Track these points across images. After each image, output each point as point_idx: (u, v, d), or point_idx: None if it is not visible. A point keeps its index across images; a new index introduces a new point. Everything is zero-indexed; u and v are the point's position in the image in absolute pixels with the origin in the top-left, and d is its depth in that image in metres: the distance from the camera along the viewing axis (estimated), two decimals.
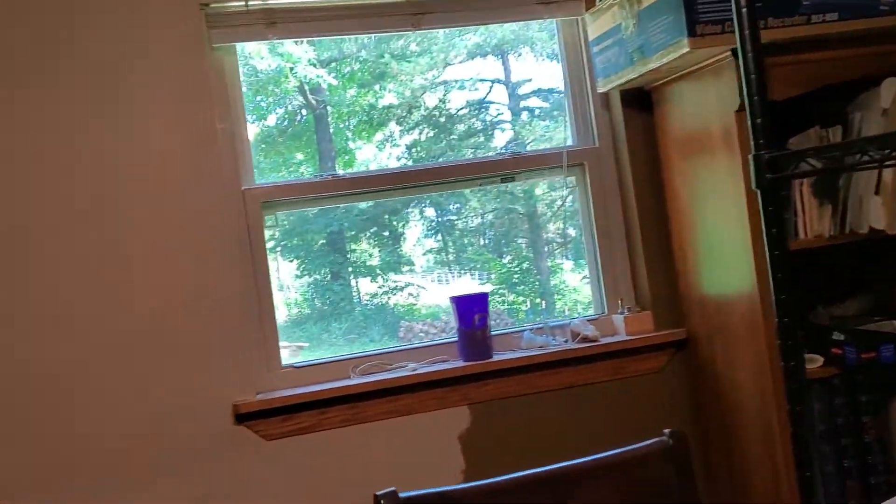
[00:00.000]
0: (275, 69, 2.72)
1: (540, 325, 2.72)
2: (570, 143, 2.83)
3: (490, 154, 2.83)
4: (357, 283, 2.85)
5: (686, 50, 2.16)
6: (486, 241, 3.00)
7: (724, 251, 2.44)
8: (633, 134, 2.72)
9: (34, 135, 2.32)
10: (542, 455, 2.61)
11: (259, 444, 2.42)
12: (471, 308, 2.57)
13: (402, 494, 1.45)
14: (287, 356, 2.62)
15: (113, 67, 2.36)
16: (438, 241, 2.91)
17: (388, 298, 2.83)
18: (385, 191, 2.70)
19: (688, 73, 2.41)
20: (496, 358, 2.59)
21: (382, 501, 1.43)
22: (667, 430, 1.74)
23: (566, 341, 2.68)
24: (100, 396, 2.32)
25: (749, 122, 1.35)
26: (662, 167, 2.70)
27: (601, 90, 2.66)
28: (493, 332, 2.64)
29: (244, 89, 2.59)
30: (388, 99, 2.86)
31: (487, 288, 2.89)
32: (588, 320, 2.74)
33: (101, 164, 2.35)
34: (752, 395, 2.40)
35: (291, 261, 2.67)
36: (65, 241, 2.32)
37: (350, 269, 2.82)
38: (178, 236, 2.39)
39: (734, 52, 2.19)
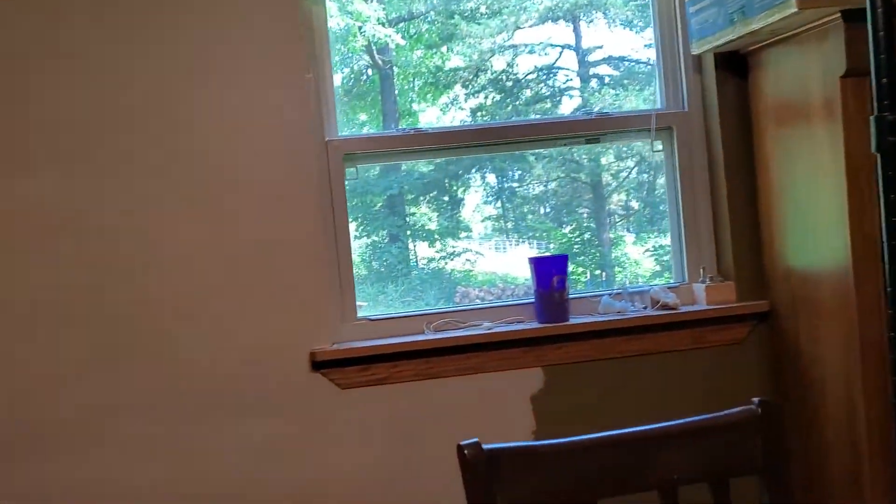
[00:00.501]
0: (343, 28, 2.70)
1: (619, 291, 2.68)
2: (658, 106, 2.76)
3: (578, 114, 2.78)
4: (415, 246, 2.85)
5: (793, 10, 2.07)
6: (548, 210, 2.96)
7: (816, 223, 2.36)
8: (724, 99, 2.64)
9: (126, 90, 2.35)
10: (614, 421, 2.58)
11: (334, 392, 2.45)
12: (549, 270, 2.54)
13: (486, 446, 1.43)
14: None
15: (203, 15, 2.37)
16: (497, 207, 2.88)
17: (445, 263, 2.83)
18: (468, 147, 2.67)
19: (790, 36, 2.32)
20: (573, 321, 2.57)
21: (466, 452, 1.42)
22: (756, 399, 1.70)
23: (645, 308, 2.63)
24: (190, 338, 2.38)
25: (873, 83, 1.28)
26: (753, 134, 2.61)
27: (695, 52, 2.58)
28: (570, 296, 2.61)
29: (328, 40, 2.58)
30: (455, 61, 2.82)
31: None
32: (669, 288, 2.69)
33: (191, 114, 2.38)
34: (836, 373, 2.33)
35: (350, 222, 2.69)
36: (161, 191, 2.37)
37: (408, 232, 2.81)
38: (262, 185, 2.41)
39: (844, 13, 2.11)
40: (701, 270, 2.69)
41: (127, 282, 2.35)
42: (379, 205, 2.79)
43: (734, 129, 2.64)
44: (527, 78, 2.89)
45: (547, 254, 2.79)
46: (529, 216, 2.94)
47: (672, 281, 2.79)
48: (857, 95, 2.17)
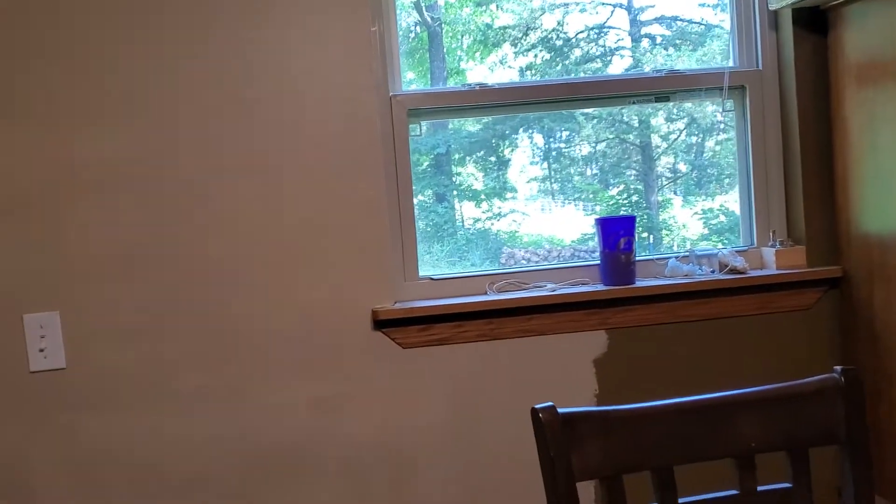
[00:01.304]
0: None
1: (686, 254, 2.62)
2: (732, 64, 2.67)
3: (646, 71, 2.70)
4: (461, 206, 2.83)
5: None
6: (595, 171, 2.91)
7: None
8: (802, 57, 2.54)
9: (195, 50, 2.34)
10: (679, 386, 2.55)
11: (396, 352, 2.44)
12: (616, 231, 2.50)
13: (560, 410, 1.41)
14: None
15: None
16: (544, 168, 2.84)
17: (492, 224, 2.81)
18: (533, 104, 2.62)
19: None
20: (639, 284, 2.52)
21: (541, 415, 1.40)
22: (838, 367, 1.65)
23: (713, 272, 2.58)
24: (250, 294, 2.38)
25: None
26: (832, 94, 2.52)
27: (773, 7, 2.48)
28: (636, 259, 2.57)
29: None
30: (505, 19, 2.76)
31: (592, 220, 2.82)
32: (737, 252, 2.62)
33: (253, 69, 2.36)
34: None
35: None
36: (223, 148, 2.36)
37: (455, 192, 2.80)
38: (326, 141, 2.39)
39: None
40: (771, 234, 2.62)
41: (188, 238, 2.36)
42: (426, 164, 2.77)
43: (811, 89, 2.55)
44: (577, 37, 2.83)
45: (596, 216, 2.74)
46: (577, 177, 2.90)
47: (739, 244, 2.72)
48: None
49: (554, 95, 2.59)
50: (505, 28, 2.75)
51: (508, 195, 2.82)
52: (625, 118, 2.87)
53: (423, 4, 2.75)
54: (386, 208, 2.44)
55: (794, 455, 1.45)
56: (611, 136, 2.89)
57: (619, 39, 2.87)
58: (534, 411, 1.45)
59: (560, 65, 2.81)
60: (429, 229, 2.75)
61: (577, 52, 2.85)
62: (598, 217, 2.55)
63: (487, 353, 2.48)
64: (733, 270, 2.54)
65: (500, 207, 2.81)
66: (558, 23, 2.77)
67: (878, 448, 2.45)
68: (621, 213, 2.79)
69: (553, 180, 2.88)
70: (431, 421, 2.47)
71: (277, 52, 2.37)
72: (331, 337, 2.42)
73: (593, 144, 2.87)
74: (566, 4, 2.77)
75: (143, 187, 2.34)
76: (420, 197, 2.74)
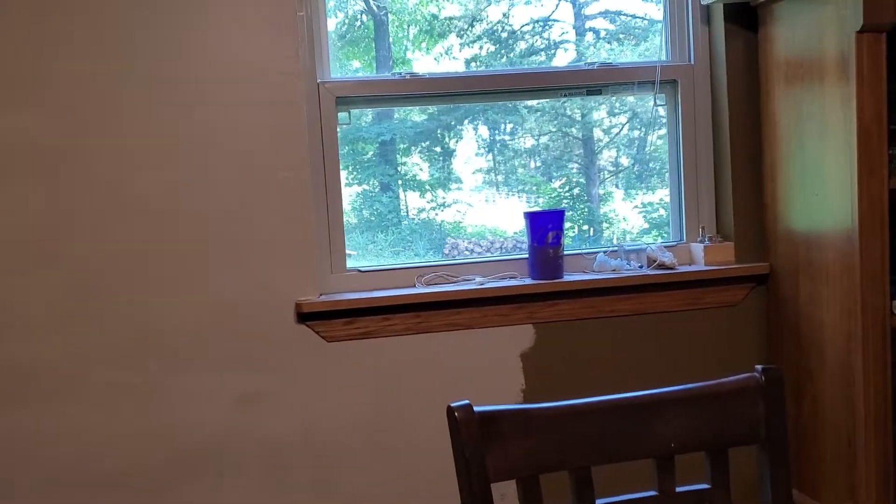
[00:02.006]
0: None
1: (615, 249, 2.61)
2: (664, 58, 2.66)
3: (580, 64, 2.68)
4: (405, 196, 2.80)
5: None
6: (538, 164, 2.90)
7: (823, 185, 2.28)
8: (733, 53, 2.54)
9: (111, 29, 2.23)
10: (606, 381, 2.55)
11: (320, 345, 2.38)
12: (545, 225, 2.47)
13: (477, 408, 1.36)
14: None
15: None
16: (489, 160, 2.82)
17: (436, 214, 2.78)
18: (464, 95, 2.58)
19: None
20: (567, 278, 2.50)
21: (457, 414, 1.35)
22: (759, 366, 1.64)
23: (641, 267, 2.57)
24: (171, 283, 2.30)
25: None
26: (761, 91, 2.52)
27: (705, 1, 2.47)
28: (564, 253, 2.54)
29: None
30: (451, 10, 2.73)
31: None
32: (665, 247, 2.62)
33: (175, 54, 2.26)
34: (835, 336, 2.28)
35: (342, 169, 2.63)
36: (141, 135, 2.26)
37: (400, 181, 2.76)
38: (249, 129, 2.31)
39: None
40: (700, 230, 2.62)
41: (101, 228, 2.26)
42: (371, 153, 2.71)
43: (741, 85, 2.55)
44: (522, 30, 2.81)
45: (537, 208, 2.71)
46: (520, 169, 2.88)
47: (669, 240, 2.71)
48: (873, 52, 2.09)
49: (484, 87, 2.55)
50: (451, 19, 2.71)
51: (453, 186, 2.80)
52: (567, 111, 2.86)
53: None
54: (311, 198, 2.37)
55: (713, 456, 1.44)
56: (553, 129, 2.88)
57: (563, 33, 2.86)
58: (450, 410, 1.40)
59: (505, 57, 2.79)
60: (373, 219, 2.70)
61: (522, 45, 2.83)
62: (526, 211, 2.52)
63: (414, 347, 2.44)
64: (661, 266, 2.54)
65: (444, 198, 2.78)
66: (504, 15, 2.74)
67: (800, 443, 2.48)
68: (563, 205, 2.78)
69: (497, 172, 2.86)
70: (356, 415, 2.42)
71: (196, 33, 2.27)
72: (253, 330, 2.34)
73: (536, 137, 2.86)
74: None
75: (51, 173, 2.22)
76: (364, 186, 2.69)
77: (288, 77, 2.32)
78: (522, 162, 2.89)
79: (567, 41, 2.90)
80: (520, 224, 2.70)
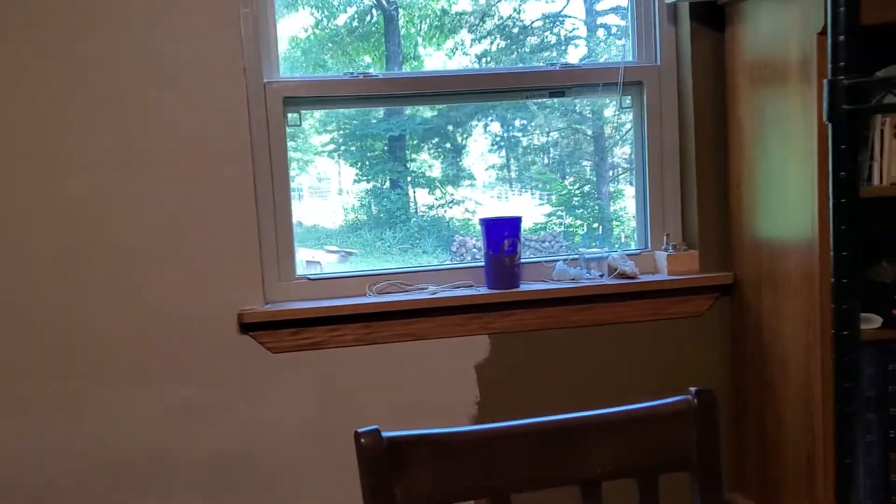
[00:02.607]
0: None
1: (575, 257, 2.52)
2: (629, 58, 2.57)
3: (540, 65, 2.58)
4: (414, 193, 2.75)
5: None
6: (550, 161, 2.84)
7: (786, 192, 2.19)
8: (699, 54, 2.45)
9: (40, 31, 2.14)
10: (564, 394, 2.46)
11: (265, 356, 2.30)
12: (500, 232, 2.38)
13: (385, 434, 1.28)
14: (335, 260, 2.52)
15: None
16: (502, 156, 2.78)
17: (445, 211, 2.73)
18: (419, 96, 2.49)
19: None
20: (523, 288, 2.41)
21: (363, 440, 1.27)
22: (693, 389, 1.55)
23: (602, 276, 2.47)
24: (109, 291, 2.21)
25: (829, 40, 1.11)
26: (728, 94, 2.43)
27: (668, 1, 2.38)
28: (523, 260, 2.46)
29: None
30: (462, 5, 2.68)
31: (546, 209, 2.75)
32: (629, 255, 2.53)
33: (102, 44, 2.18)
34: (796, 349, 2.19)
35: (352, 165, 2.60)
36: (75, 140, 2.18)
37: (409, 178, 2.71)
38: (189, 129, 2.23)
39: None
40: (664, 237, 2.53)
41: (34, 234, 2.18)
42: (380, 149, 2.67)
43: (708, 88, 2.46)
44: (533, 25, 2.76)
45: (546, 206, 2.64)
46: (533, 166, 2.83)
47: (634, 247, 2.62)
48: None
49: (440, 87, 2.46)
50: (461, 14, 2.66)
51: (466, 182, 2.76)
52: (577, 108, 2.80)
53: None
54: (254, 202, 2.29)
55: (643, 482, 1.35)
56: (563, 126, 2.82)
57: (574, 28, 2.81)
58: (356, 436, 1.32)
59: (515, 53, 2.74)
60: (382, 216, 2.65)
61: (534, 40, 2.78)
62: (481, 217, 2.43)
63: (364, 359, 2.35)
64: (622, 275, 2.45)
65: (453, 195, 2.73)
66: (515, 10, 2.69)
67: (764, 460, 2.39)
68: (573, 203, 2.71)
69: (510, 168, 2.82)
70: (303, 429, 2.33)
71: (133, 31, 2.19)
72: (194, 341, 2.26)
73: (546, 133, 2.81)
74: None
75: None
76: (374, 182, 2.65)
77: (228, 75, 2.23)
78: (535, 159, 2.85)
79: (578, 37, 2.85)
80: (528, 222, 2.66)
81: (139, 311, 2.22)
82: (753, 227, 2.36)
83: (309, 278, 2.42)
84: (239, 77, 2.24)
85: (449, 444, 1.36)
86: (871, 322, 2.17)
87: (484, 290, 2.40)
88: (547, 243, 2.80)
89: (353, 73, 2.44)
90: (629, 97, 2.57)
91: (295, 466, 2.33)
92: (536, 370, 2.43)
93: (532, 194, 2.79)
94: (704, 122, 2.47)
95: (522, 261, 2.46)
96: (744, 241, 2.41)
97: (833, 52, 1.11)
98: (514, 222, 2.40)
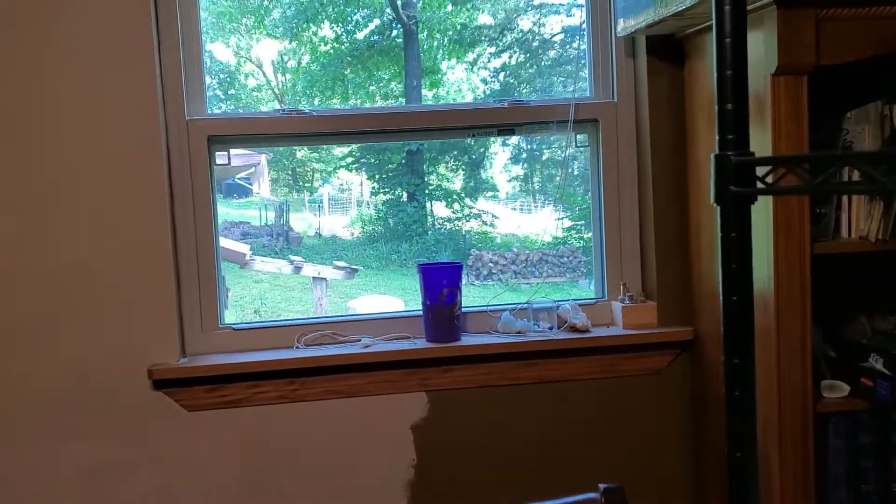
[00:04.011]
0: None
1: (524, 306, 2.33)
2: (587, 94, 2.39)
3: (488, 101, 2.41)
4: (432, 205, 2.63)
5: None
6: (570, 174, 2.72)
7: None
8: (657, 90, 2.26)
9: None
10: (508, 457, 2.27)
11: (179, 415, 2.13)
12: (438, 281, 2.20)
13: None
14: (341, 276, 2.38)
15: None
16: (525, 168, 2.65)
17: (462, 224, 2.60)
18: (350, 135, 2.32)
19: None
20: (464, 341, 2.23)
21: None
22: (602, 485, 1.38)
23: (551, 328, 2.29)
24: (11, 344, 2.06)
25: (716, 108, 0.93)
26: (687, 133, 2.24)
27: (620, 34, 2.20)
28: (466, 309, 2.28)
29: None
30: (482, 19, 2.56)
31: (566, 223, 2.60)
32: (583, 305, 2.34)
33: (12, 77, 2.03)
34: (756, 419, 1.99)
35: (370, 178, 2.48)
36: None
37: (426, 191, 2.58)
38: (101, 168, 2.07)
39: None
40: (621, 287, 2.34)
41: None
42: (397, 162, 2.55)
43: (666, 126, 2.27)
44: (553, 39, 2.64)
45: (565, 220, 2.48)
46: (556, 179, 2.70)
47: (591, 295, 2.43)
48: (790, 98, 1.80)
49: (379, 125, 2.29)
50: (481, 28, 2.55)
51: (485, 195, 2.63)
52: None
53: (398, 1, 2.53)
54: (171, 248, 2.13)
55: None
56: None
57: None
58: None
59: (534, 67, 2.63)
60: (399, 228, 2.53)
61: (552, 54, 2.66)
62: (419, 264, 2.25)
63: (289, 417, 2.18)
64: (573, 328, 2.26)
65: (471, 207, 2.61)
66: (534, 24, 2.57)
67: None
68: (588, 218, 2.56)
69: (531, 181, 2.70)
70: (221, 493, 2.16)
71: (40, 62, 2.04)
72: (104, 397, 2.10)
73: (564, 149, 2.69)
74: (542, 6, 2.59)
75: None
76: (391, 195, 2.55)
77: (143, 113, 2.08)
78: (551, 173, 2.72)
79: None
80: (547, 236, 2.50)
81: (51, 367, 2.08)
82: (713, 279, 2.16)
83: (234, 328, 2.25)
84: (154, 114, 2.09)
85: None
86: (838, 390, 1.97)
87: (422, 344, 2.23)
88: (566, 259, 2.64)
89: (283, 110, 2.27)
90: (585, 135, 2.39)
91: None
92: (478, 431, 2.25)
93: (555, 208, 2.67)
94: (663, 161, 2.28)
95: (465, 310, 2.28)
96: (703, 293, 2.22)
97: (720, 122, 0.93)
98: (453, 269, 2.22)
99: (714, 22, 0.91)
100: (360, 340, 2.25)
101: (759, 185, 0.93)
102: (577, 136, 2.37)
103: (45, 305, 2.07)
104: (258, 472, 2.17)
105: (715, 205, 0.93)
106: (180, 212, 2.18)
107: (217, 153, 2.25)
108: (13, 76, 2.02)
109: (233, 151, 2.30)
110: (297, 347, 2.23)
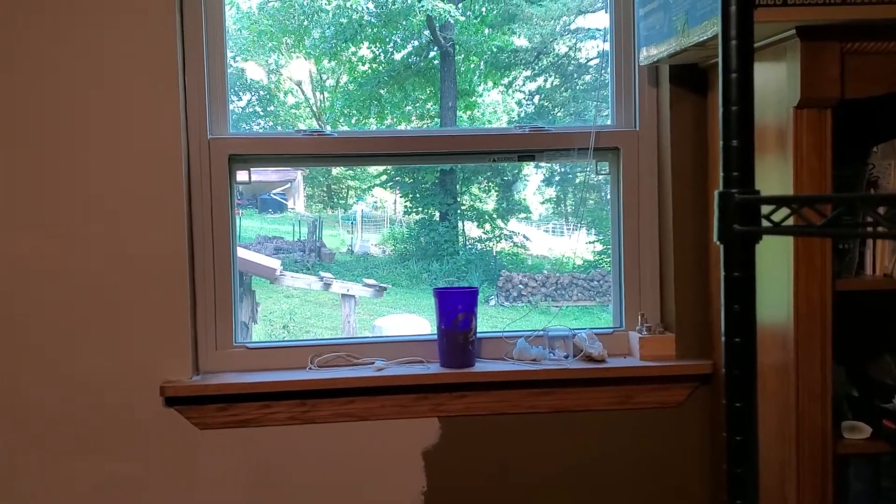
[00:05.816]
0: (405, 4, 2.49)
1: (540, 334, 2.30)
2: (609, 122, 2.37)
3: (510, 127, 2.40)
4: (464, 225, 2.63)
5: None
6: (603, 198, 2.71)
7: (763, 277, 1.96)
8: (679, 119, 2.24)
9: None
10: (521, 487, 2.24)
11: (190, 433, 2.13)
12: (454, 305, 2.19)
13: None
14: (369, 294, 2.39)
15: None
16: (557, 190, 2.65)
17: (494, 245, 2.60)
18: (374, 157, 2.32)
19: None
20: (478, 367, 2.21)
21: None
22: None
23: (566, 357, 2.26)
24: (27, 359, 2.08)
25: (721, 144, 0.91)
26: (709, 163, 2.21)
27: (642, 63, 2.18)
28: (481, 335, 2.27)
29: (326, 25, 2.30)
30: (518, 42, 2.58)
31: (597, 247, 2.59)
32: (601, 334, 2.31)
33: (31, 94, 2.06)
34: (769, 460, 1.94)
35: (403, 196, 2.51)
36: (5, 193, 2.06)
37: (459, 210, 2.59)
38: (121, 186, 2.09)
39: (800, 30, 1.71)
40: (639, 317, 2.31)
41: None
42: (431, 181, 2.56)
43: (688, 156, 2.24)
44: (589, 63, 2.64)
45: (597, 243, 2.48)
46: (590, 202, 2.69)
47: (610, 325, 2.40)
48: (813, 130, 1.77)
49: (399, 148, 2.29)
50: (516, 51, 2.56)
51: (521, 216, 2.64)
52: None
53: (436, 24, 2.55)
54: (187, 266, 2.14)
55: None
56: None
57: None
58: None
59: (569, 90, 2.64)
60: (430, 247, 2.55)
61: (588, 78, 2.67)
62: (435, 288, 2.24)
63: (299, 439, 2.17)
64: (588, 358, 2.23)
65: (501, 228, 2.61)
66: (570, 48, 2.58)
67: None
68: None
69: (565, 203, 2.71)
70: None
71: (67, 81, 2.07)
72: (116, 414, 2.11)
73: (597, 172, 2.69)
74: (578, 30, 2.60)
75: None
76: (423, 214, 2.57)
77: (165, 131, 2.10)
78: (584, 196, 2.71)
79: None
80: (578, 259, 2.49)
81: (65, 382, 2.09)
82: None
83: (248, 347, 2.25)
84: (176, 132, 2.10)
85: None
86: (860, 431, 1.92)
87: (435, 369, 2.21)
88: (596, 282, 2.62)
89: (306, 131, 2.28)
90: (606, 163, 2.37)
91: None
92: (490, 459, 2.22)
93: (588, 230, 2.65)
94: (685, 193, 2.25)
95: (480, 335, 2.26)
96: None
97: (725, 159, 0.91)
98: (469, 294, 2.21)
99: (720, 57, 0.89)
100: (373, 363, 2.24)
101: (765, 223, 0.90)
102: (598, 164, 2.36)
103: (60, 320, 2.08)
104: (266, 492, 2.16)
105: (717, 242, 0.91)
106: (198, 230, 2.19)
107: (238, 171, 2.26)
108: (35, 92, 2.05)
109: (269, 167, 2.31)
110: (309, 368, 2.23)
